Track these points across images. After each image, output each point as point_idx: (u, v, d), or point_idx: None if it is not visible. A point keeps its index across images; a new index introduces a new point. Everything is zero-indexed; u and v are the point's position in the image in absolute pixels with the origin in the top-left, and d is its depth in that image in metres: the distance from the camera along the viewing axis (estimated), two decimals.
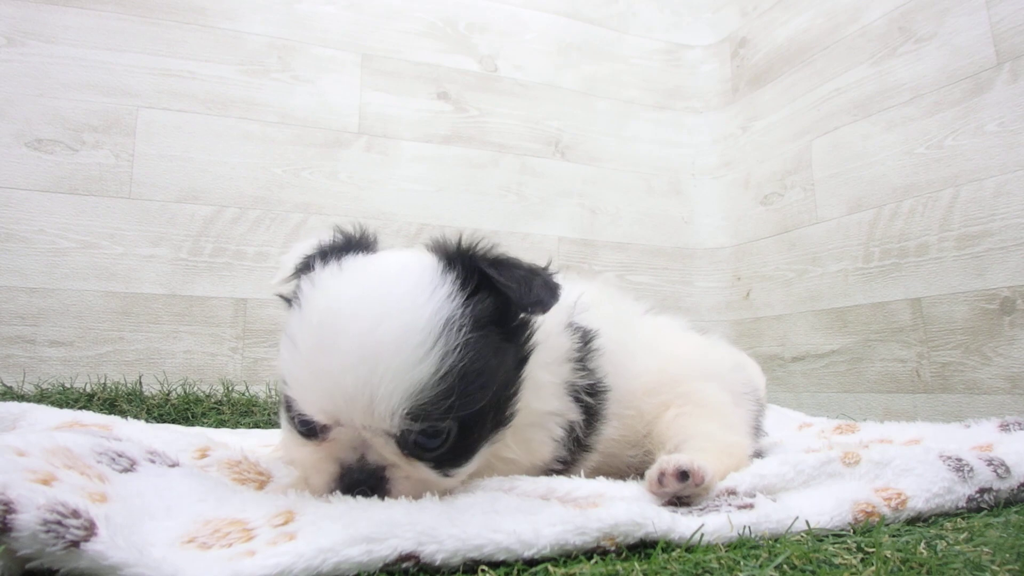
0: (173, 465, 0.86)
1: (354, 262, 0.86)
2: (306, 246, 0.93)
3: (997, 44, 1.81)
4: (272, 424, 1.75)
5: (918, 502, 0.93)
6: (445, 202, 2.45)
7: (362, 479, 0.80)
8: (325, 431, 0.80)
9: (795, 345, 2.39)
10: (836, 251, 2.25)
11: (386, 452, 0.80)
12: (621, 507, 0.76)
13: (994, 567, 0.69)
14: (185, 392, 1.91)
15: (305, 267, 0.89)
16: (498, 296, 0.86)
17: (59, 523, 0.53)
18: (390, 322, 0.76)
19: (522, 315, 0.91)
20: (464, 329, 0.79)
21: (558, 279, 0.92)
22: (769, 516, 0.84)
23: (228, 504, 0.75)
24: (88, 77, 2.09)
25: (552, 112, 2.66)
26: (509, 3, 2.67)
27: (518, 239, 2.51)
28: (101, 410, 1.65)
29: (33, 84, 2.04)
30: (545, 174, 2.62)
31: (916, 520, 0.93)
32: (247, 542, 0.65)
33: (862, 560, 0.71)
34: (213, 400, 1.88)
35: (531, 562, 0.68)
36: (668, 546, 0.74)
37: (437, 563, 0.65)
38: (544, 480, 0.90)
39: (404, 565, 0.64)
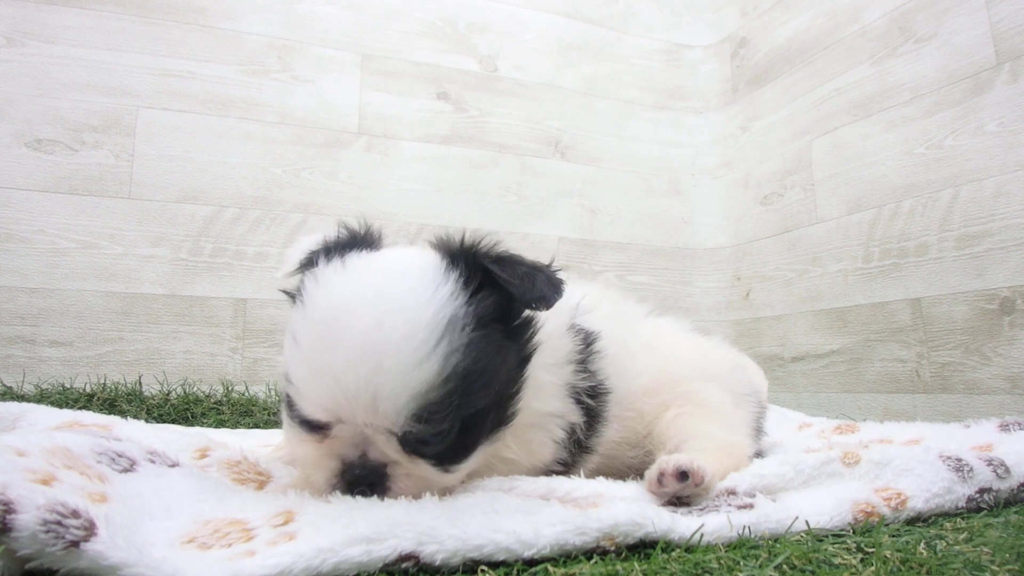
0: (173, 465, 0.86)
1: (358, 259, 0.86)
2: (311, 241, 0.93)
3: (997, 44, 1.81)
4: (272, 424, 1.75)
5: (918, 502, 0.93)
6: (445, 202, 2.45)
7: (363, 475, 0.80)
8: (327, 428, 0.80)
9: (795, 345, 2.39)
10: (836, 251, 2.25)
11: (387, 449, 0.80)
12: (621, 507, 0.76)
13: (994, 567, 0.69)
14: (185, 392, 1.91)
15: (309, 263, 0.89)
16: (501, 294, 0.86)
17: (59, 523, 0.53)
18: (393, 320, 0.76)
19: (525, 313, 0.91)
20: (467, 327, 0.79)
21: (561, 275, 0.92)
22: (769, 516, 0.84)
23: (228, 504, 0.75)
24: (88, 77, 2.09)
25: (552, 112, 2.66)
26: (509, 3, 2.67)
27: (518, 239, 2.51)
28: (101, 410, 1.65)
29: (33, 84, 2.04)
30: (545, 174, 2.62)
31: (916, 520, 0.93)
32: (247, 542, 0.65)
33: (862, 560, 0.71)
34: (213, 400, 1.88)
35: (531, 562, 0.68)
36: (668, 546, 0.74)
37: (437, 563, 0.65)
38: (544, 480, 0.90)
39: (404, 565, 0.64)
